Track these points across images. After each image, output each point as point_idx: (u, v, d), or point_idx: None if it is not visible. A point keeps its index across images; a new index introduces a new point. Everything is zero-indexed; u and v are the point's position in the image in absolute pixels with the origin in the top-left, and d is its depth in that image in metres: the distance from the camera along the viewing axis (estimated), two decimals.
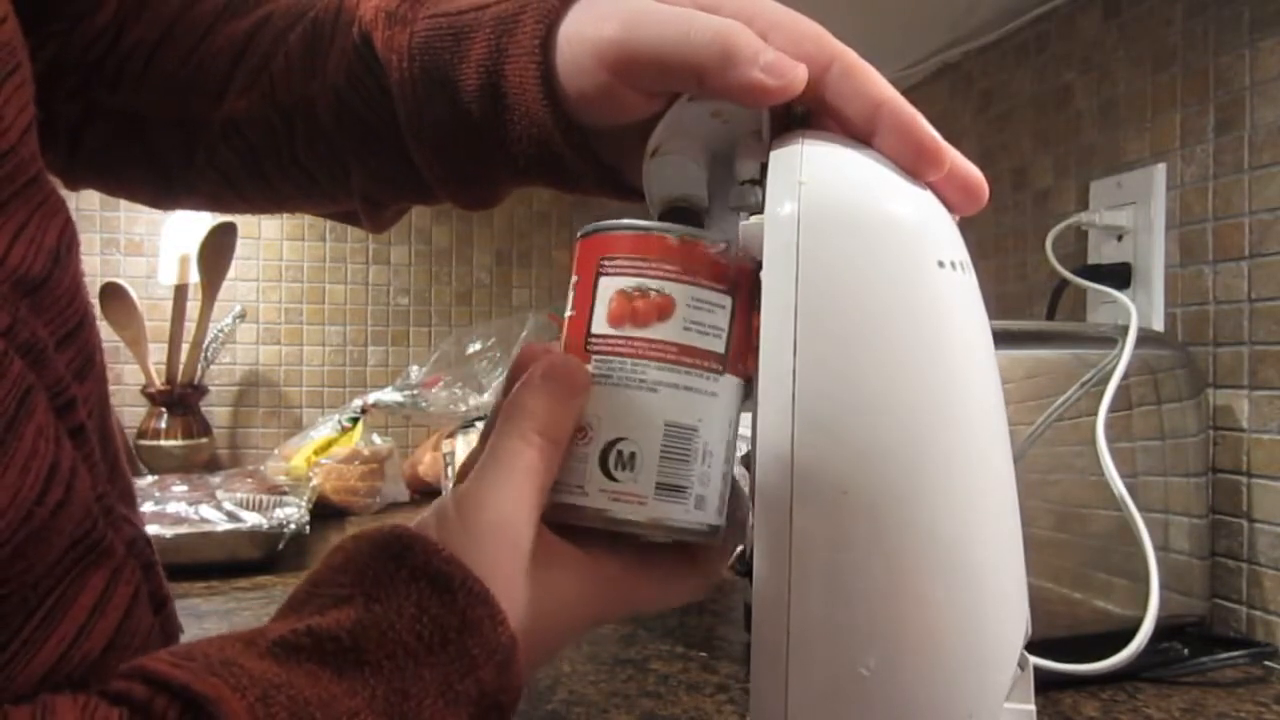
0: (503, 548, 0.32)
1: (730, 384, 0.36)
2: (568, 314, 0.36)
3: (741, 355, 0.36)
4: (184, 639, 0.35)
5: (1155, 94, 0.81)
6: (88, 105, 0.47)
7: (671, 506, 0.35)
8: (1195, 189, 0.77)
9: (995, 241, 1.04)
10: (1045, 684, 0.61)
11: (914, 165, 0.35)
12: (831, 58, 0.34)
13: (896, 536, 0.33)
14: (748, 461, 0.67)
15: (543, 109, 0.37)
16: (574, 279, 0.37)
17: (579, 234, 0.37)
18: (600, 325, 0.35)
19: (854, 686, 0.33)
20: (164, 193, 0.50)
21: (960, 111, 1.11)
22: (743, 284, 0.36)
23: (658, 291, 0.35)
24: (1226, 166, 0.74)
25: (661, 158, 0.39)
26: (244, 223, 1.47)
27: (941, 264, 0.35)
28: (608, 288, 0.35)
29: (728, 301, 0.36)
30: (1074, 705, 0.61)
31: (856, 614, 0.33)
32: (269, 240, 1.54)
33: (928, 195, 0.36)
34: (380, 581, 0.30)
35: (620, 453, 0.34)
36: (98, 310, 1.36)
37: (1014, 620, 0.36)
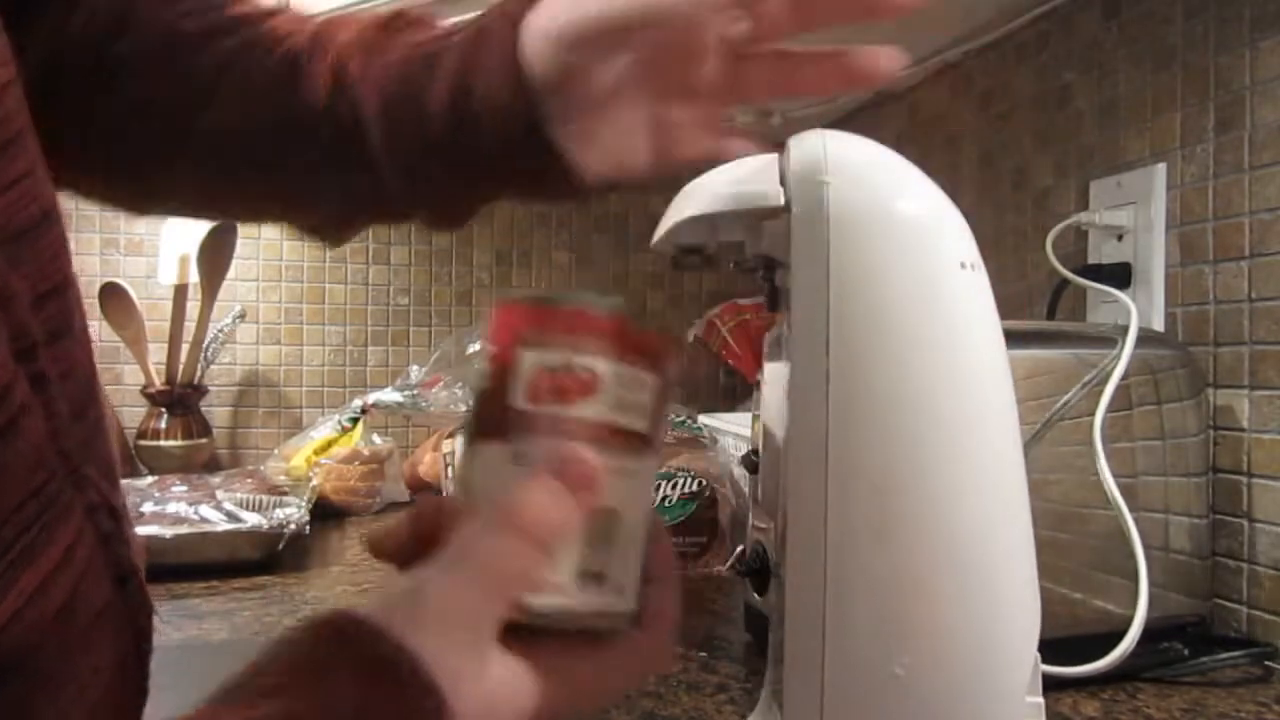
0: (460, 643, 0.30)
1: (651, 462, 0.35)
2: (484, 385, 0.34)
3: (659, 432, 0.35)
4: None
5: (1155, 94, 0.81)
6: (72, 110, 0.48)
7: (592, 596, 0.33)
8: (1195, 189, 0.77)
9: (995, 241, 1.04)
10: (1045, 684, 0.61)
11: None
12: None
13: (929, 534, 0.33)
14: (748, 461, 0.67)
15: (514, 101, 0.40)
16: (492, 349, 0.34)
17: (501, 301, 0.36)
18: (520, 401, 0.33)
19: (890, 686, 0.33)
20: (142, 199, 0.53)
21: (960, 111, 1.11)
22: (665, 360, 0.35)
23: (585, 368, 0.33)
24: (1226, 166, 0.74)
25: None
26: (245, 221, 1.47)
27: (963, 265, 0.35)
28: (530, 362, 0.33)
29: (652, 380, 0.34)
30: (1074, 705, 0.61)
31: (892, 614, 0.33)
32: (269, 240, 1.54)
33: (942, 195, 0.36)
34: (318, 670, 0.28)
35: None
36: (97, 310, 1.36)
37: (1031, 614, 0.36)
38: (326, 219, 0.49)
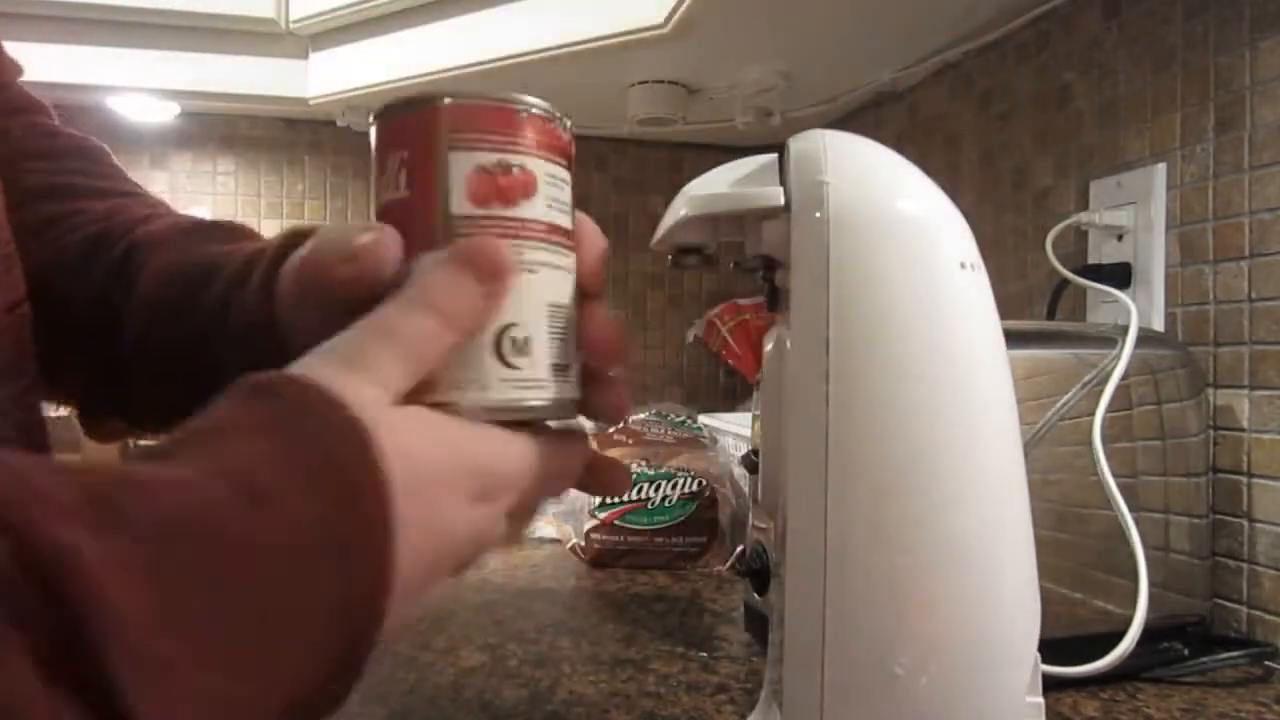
0: (367, 386, 0.28)
1: (574, 259, 0.36)
2: (396, 195, 0.33)
3: (577, 227, 0.36)
4: None
5: (1155, 94, 0.81)
6: None
7: (564, 385, 0.34)
8: (1195, 189, 0.77)
9: (995, 241, 1.04)
10: (1045, 684, 0.61)
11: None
12: None
13: (929, 536, 0.33)
14: (748, 461, 0.67)
15: (259, 325, 0.40)
16: (399, 155, 0.33)
17: (395, 105, 0.33)
18: (461, 205, 0.32)
19: (890, 686, 0.33)
20: None
21: (960, 111, 1.11)
22: (573, 157, 0.36)
23: (520, 168, 0.33)
24: (1226, 166, 0.74)
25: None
26: (245, 220, 1.47)
27: (963, 265, 0.35)
28: (463, 163, 0.32)
29: (569, 176, 0.35)
30: (1074, 705, 0.61)
31: (891, 614, 0.33)
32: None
33: (942, 195, 0.36)
34: (224, 428, 0.27)
35: (515, 339, 0.33)
36: None
37: (1031, 614, 0.36)
38: (80, 402, 0.50)
